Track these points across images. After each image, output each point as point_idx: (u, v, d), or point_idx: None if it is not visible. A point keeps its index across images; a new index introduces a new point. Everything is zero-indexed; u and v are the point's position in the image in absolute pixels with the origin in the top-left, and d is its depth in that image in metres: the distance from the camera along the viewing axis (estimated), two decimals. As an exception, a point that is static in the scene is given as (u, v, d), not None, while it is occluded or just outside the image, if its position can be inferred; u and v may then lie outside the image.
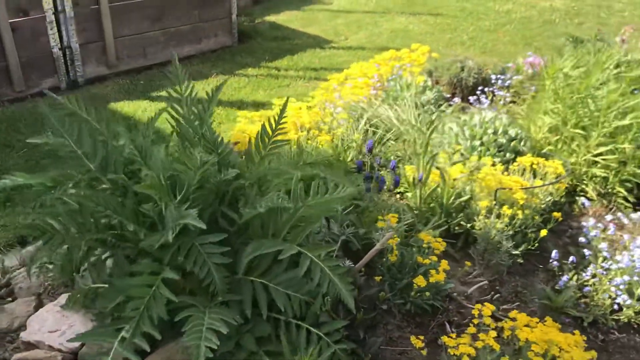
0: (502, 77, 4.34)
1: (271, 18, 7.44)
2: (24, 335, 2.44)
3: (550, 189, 3.01)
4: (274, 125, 2.37)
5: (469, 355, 2.13)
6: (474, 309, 2.59)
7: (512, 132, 3.30)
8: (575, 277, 2.73)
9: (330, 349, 2.09)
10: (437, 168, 2.93)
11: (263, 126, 2.38)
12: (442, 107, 3.92)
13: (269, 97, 5.22)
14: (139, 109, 4.90)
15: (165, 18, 5.85)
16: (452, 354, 2.18)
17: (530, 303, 2.76)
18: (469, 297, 2.64)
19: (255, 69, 5.86)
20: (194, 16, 6.09)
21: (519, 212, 2.72)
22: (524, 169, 3.07)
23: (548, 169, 3.02)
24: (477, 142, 3.22)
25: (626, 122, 3.16)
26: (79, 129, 2.11)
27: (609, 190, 3.30)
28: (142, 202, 2.10)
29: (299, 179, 2.11)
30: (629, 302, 2.62)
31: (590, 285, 2.70)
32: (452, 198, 2.83)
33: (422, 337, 2.29)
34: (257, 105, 5.04)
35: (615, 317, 2.69)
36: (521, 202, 2.74)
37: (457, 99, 4.21)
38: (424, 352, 2.29)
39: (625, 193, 3.22)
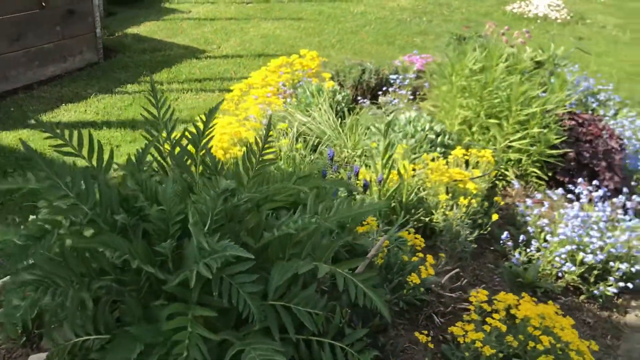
0: (400, 76, 4.60)
1: (132, 30, 7.08)
2: (-2, 411, 2.13)
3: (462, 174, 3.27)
4: (260, 145, 2.31)
5: (477, 339, 2.28)
6: (451, 297, 2.78)
7: (437, 127, 3.53)
8: (523, 254, 3.02)
9: (361, 362, 2.10)
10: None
11: (249, 146, 2.32)
12: (357, 109, 4.06)
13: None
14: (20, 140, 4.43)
15: (26, 36, 5.33)
16: (461, 342, 2.31)
17: (489, 282, 3.01)
18: (443, 287, 2.80)
19: (135, 85, 5.56)
20: (57, 33, 5.62)
21: (473, 201, 2.94)
22: (459, 161, 3.31)
23: (480, 159, 3.29)
24: (412, 140, 3.40)
25: (533, 109, 3.54)
26: (70, 169, 1.89)
27: (523, 172, 3.67)
28: (150, 241, 1.95)
29: (308, 192, 2.10)
30: (573, 268, 2.95)
31: (538, 259, 3.00)
32: (411, 195, 2.97)
33: (425, 332, 2.40)
34: (153, 123, 4.79)
35: (560, 284, 3.02)
36: (474, 191, 2.96)
37: (367, 101, 4.38)
38: (431, 345, 2.40)
39: (539, 172, 3.61)
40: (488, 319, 2.32)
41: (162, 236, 1.94)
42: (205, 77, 5.84)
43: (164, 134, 2.35)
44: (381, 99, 4.33)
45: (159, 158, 2.32)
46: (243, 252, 1.74)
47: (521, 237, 3.04)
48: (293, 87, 4.46)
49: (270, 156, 2.38)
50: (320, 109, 4.09)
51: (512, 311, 2.39)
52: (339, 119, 4.01)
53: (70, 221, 1.94)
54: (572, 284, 3.07)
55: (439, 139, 3.50)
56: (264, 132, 2.36)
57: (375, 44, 7.09)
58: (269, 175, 2.38)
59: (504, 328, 2.28)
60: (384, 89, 4.54)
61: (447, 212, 2.90)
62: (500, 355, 2.29)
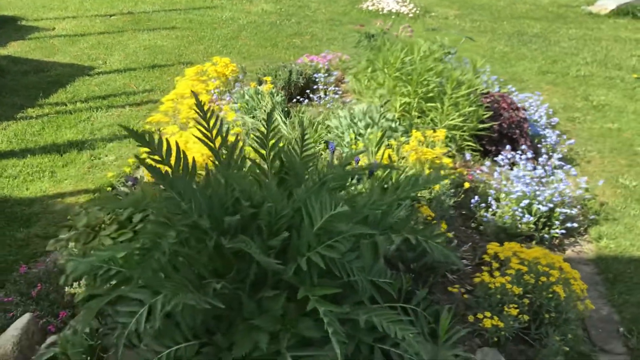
0: (322, 75, 4.92)
1: (2, 52, 6.57)
2: None
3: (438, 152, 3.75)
4: (301, 145, 2.51)
5: (503, 282, 2.72)
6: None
7: (389, 116, 3.94)
8: (490, 212, 3.55)
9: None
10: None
11: (289, 147, 2.51)
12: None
13: (82, 135, 4.82)
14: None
15: None
16: (491, 287, 2.73)
17: (471, 239, 3.47)
18: (444, 249, 3.20)
19: (36, 109, 5.24)
20: None
21: (450, 173, 3.39)
22: (420, 141, 3.74)
23: (435, 139, 3.75)
24: (374, 129, 3.76)
25: (464, 91, 4.09)
26: (183, 181, 1.97)
27: (459, 146, 4.22)
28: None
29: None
30: (531, 218, 3.53)
31: (503, 215, 3.54)
32: (401, 175, 3.33)
33: (457, 286, 2.80)
34: (78, 146, 4.62)
35: (520, 233, 3.58)
36: (450, 165, 3.41)
37: (305, 99, 4.64)
38: (465, 297, 2.80)
39: (474, 145, 4.18)
40: (510, 264, 2.77)
41: (271, 230, 2.09)
42: (108, 94, 5.66)
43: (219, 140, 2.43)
44: (315, 97, 4.63)
45: (216, 162, 2.41)
46: (367, 229, 1.98)
47: (489, 199, 3.56)
48: (228, 93, 4.58)
49: (311, 151, 2.60)
50: (264, 111, 4.29)
51: (522, 255, 2.86)
52: (287, 118, 4.24)
53: (177, 231, 2.00)
54: (526, 232, 3.65)
55: (393, 124, 3.91)
56: (300, 133, 2.57)
57: (260, 47, 7.33)
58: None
59: (525, 269, 2.75)
60: (314, 87, 4.85)
61: (435, 187, 3.32)
62: (522, 292, 2.75)
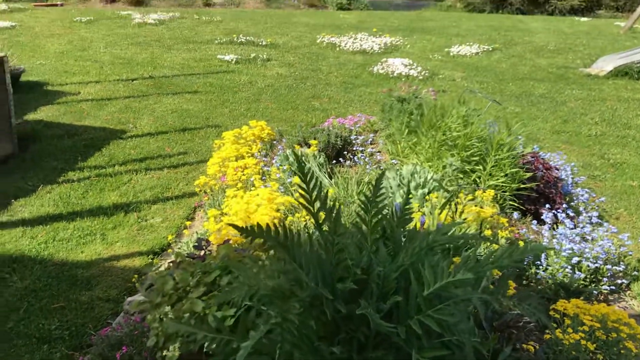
0: (360, 137, 5.12)
1: (32, 117, 6.73)
2: None
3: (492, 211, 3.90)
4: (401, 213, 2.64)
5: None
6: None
7: (436, 176, 4.10)
8: (541, 269, 3.67)
9: None
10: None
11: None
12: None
13: (126, 197, 4.92)
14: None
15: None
16: (566, 343, 2.82)
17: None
18: (506, 307, 3.30)
19: (76, 172, 5.35)
20: (-24, 126, 5.24)
21: (500, 231, 3.53)
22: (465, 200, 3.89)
23: (484, 198, 3.91)
24: (425, 189, 3.92)
25: (505, 153, 4.28)
26: (305, 254, 2.08)
27: (501, 205, 4.38)
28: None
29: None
30: (582, 275, 3.65)
31: (556, 272, 3.66)
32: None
33: (532, 343, 2.88)
34: (123, 208, 4.71)
35: (572, 289, 3.70)
36: (506, 224, 3.55)
37: (347, 161, 4.81)
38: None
39: (515, 204, 4.34)
40: (584, 320, 2.87)
41: (379, 294, 2.19)
42: (145, 157, 5.80)
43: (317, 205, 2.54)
44: (355, 158, 4.81)
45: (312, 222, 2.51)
46: (480, 294, 2.09)
47: (542, 257, 3.69)
48: (267, 155, 4.74)
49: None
50: (315, 173, 4.43)
51: (592, 311, 2.97)
52: (331, 179, 4.39)
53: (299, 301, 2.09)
54: (576, 289, 3.77)
55: (436, 184, 4.07)
56: (403, 200, 2.70)
57: (281, 110, 7.55)
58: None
59: (597, 325, 2.85)
60: (354, 148, 5.04)
61: (492, 246, 3.45)
62: (593, 347, 2.85)
